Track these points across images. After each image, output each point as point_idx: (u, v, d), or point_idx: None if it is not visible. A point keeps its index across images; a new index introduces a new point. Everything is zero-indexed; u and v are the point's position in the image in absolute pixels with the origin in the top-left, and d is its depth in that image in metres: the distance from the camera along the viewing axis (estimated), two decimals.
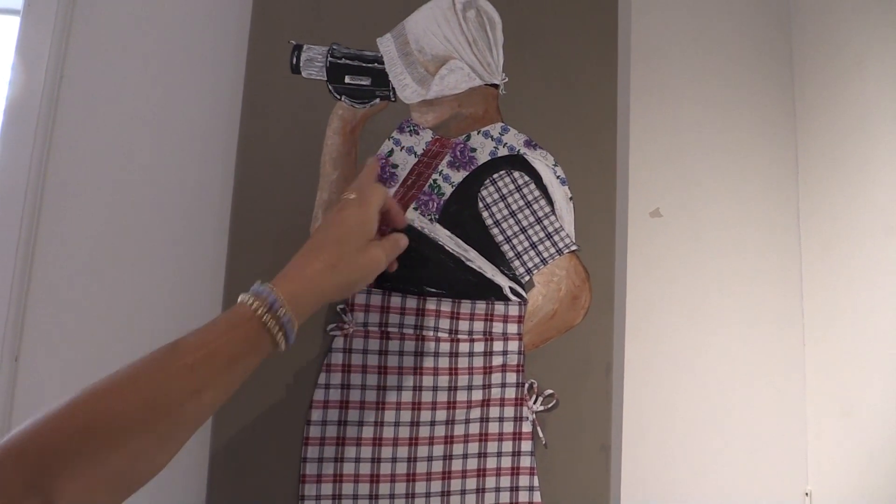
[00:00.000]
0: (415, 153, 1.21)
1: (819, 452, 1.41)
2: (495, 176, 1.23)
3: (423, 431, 1.15)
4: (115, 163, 1.23)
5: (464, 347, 1.19)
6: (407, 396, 1.15)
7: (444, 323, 1.18)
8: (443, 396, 1.17)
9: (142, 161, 1.24)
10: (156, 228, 1.22)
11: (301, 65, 1.19)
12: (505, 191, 1.23)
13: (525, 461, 1.19)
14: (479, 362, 1.19)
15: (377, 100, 1.21)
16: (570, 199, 1.26)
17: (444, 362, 1.17)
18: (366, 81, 1.21)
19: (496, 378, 1.19)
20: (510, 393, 1.20)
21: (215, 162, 1.24)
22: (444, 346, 1.18)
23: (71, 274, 1.20)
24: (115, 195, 1.22)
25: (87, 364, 1.18)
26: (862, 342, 1.36)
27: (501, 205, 1.23)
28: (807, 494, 1.41)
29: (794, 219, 1.49)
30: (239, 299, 0.83)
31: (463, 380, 1.18)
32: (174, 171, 1.24)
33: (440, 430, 1.16)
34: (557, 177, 1.26)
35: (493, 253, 1.22)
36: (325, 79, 1.19)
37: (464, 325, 1.19)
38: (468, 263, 1.20)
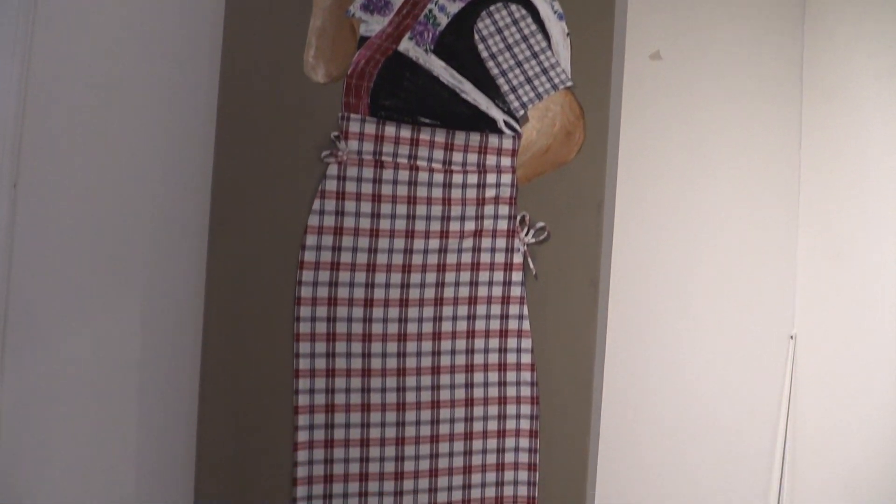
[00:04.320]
0: None
1: (807, 296, 1.44)
2: (492, 8, 1.21)
3: (417, 259, 1.18)
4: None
5: (457, 178, 1.20)
6: (400, 224, 1.17)
7: (438, 154, 1.19)
8: (436, 226, 1.18)
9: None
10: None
11: None
12: (501, 24, 1.21)
13: (515, 290, 1.22)
14: (472, 193, 1.20)
15: None
16: (568, 35, 1.24)
17: (437, 192, 1.18)
18: None
19: (489, 209, 1.21)
20: (502, 224, 1.22)
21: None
22: (438, 177, 1.19)
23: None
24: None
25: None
26: (858, 186, 1.36)
27: (498, 38, 1.21)
28: (791, 337, 1.45)
29: (797, 67, 1.47)
30: None
31: (456, 210, 1.19)
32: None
33: (433, 259, 1.19)
34: (555, 12, 1.24)
35: (487, 86, 1.21)
36: None
37: (458, 157, 1.20)
38: (463, 96, 1.20)
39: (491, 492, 1.22)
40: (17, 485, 1.18)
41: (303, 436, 1.14)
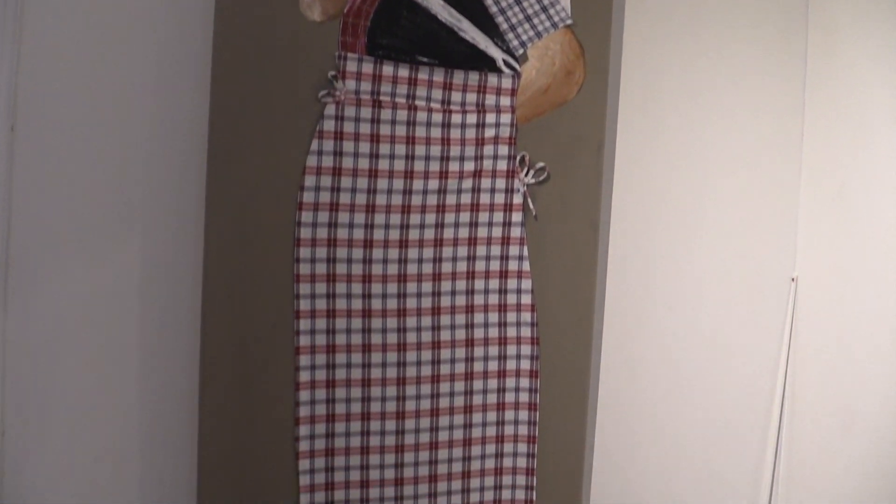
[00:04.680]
0: None
1: (809, 238, 1.43)
2: None
3: (416, 200, 1.17)
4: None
5: (456, 118, 1.19)
6: (399, 165, 1.16)
7: (437, 93, 1.17)
8: (435, 166, 1.18)
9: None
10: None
11: None
12: None
13: (515, 231, 1.22)
14: (471, 133, 1.19)
15: None
16: None
17: (436, 132, 1.17)
18: None
19: (488, 150, 1.20)
20: (502, 165, 1.21)
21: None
22: (437, 117, 1.18)
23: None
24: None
25: None
26: (861, 127, 1.35)
27: None
28: (793, 280, 1.44)
29: (802, 6, 1.44)
30: None
31: (455, 150, 1.18)
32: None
33: (432, 199, 1.18)
34: None
35: (486, 25, 1.19)
36: None
37: (456, 97, 1.18)
38: (461, 34, 1.18)
39: (492, 430, 1.23)
40: (24, 435, 1.20)
41: (305, 376, 1.15)
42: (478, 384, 1.22)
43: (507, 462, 1.25)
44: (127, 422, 1.24)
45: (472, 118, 1.19)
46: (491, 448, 1.24)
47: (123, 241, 1.22)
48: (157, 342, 1.24)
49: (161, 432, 1.25)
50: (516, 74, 1.20)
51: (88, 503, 1.22)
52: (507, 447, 1.25)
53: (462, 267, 1.21)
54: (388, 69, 1.15)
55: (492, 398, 1.23)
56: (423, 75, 1.16)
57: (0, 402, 1.20)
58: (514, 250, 1.22)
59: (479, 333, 1.22)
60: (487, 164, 1.20)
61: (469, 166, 1.19)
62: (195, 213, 1.19)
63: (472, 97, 1.19)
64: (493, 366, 1.23)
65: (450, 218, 1.19)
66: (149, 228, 1.23)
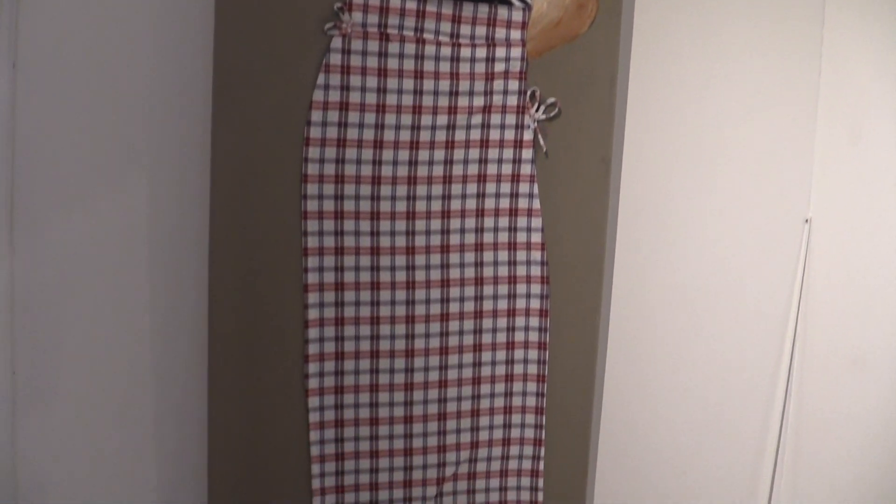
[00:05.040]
0: None
1: (823, 179, 1.41)
2: None
3: (424, 136, 1.15)
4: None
5: (465, 52, 1.16)
6: (407, 100, 1.14)
7: (446, 26, 1.15)
8: (444, 101, 1.16)
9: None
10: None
11: None
12: None
13: (525, 168, 1.20)
14: (481, 68, 1.17)
15: None
16: None
17: (445, 66, 1.15)
18: None
19: (498, 85, 1.18)
20: (512, 100, 1.19)
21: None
22: (446, 51, 1.15)
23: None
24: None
25: None
26: (879, 62, 1.32)
27: None
28: (806, 221, 1.43)
29: None
30: None
31: (465, 85, 1.16)
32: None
33: (441, 136, 1.16)
34: None
35: None
36: None
37: (466, 30, 1.16)
38: None
39: (501, 369, 1.23)
40: (34, 375, 1.20)
41: (314, 314, 1.14)
42: (487, 322, 1.22)
43: (517, 401, 1.25)
44: (137, 358, 1.24)
45: (481, 52, 1.17)
46: (500, 387, 1.24)
47: (129, 179, 1.21)
48: (165, 278, 1.24)
49: (172, 365, 1.25)
50: (527, 7, 1.17)
51: (101, 434, 1.23)
52: (517, 386, 1.25)
53: (471, 204, 1.19)
54: (395, 1, 1.13)
55: (501, 337, 1.23)
56: (431, 7, 1.13)
57: (10, 342, 1.20)
58: (524, 188, 1.21)
59: (488, 272, 1.21)
60: (497, 100, 1.18)
61: (479, 101, 1.17)
62: (201, 150, 1.17)
63: (481, 30, 1.16)
64: (502, 305, 1.22)
65: (459, 154, 1.18)
66: (155, 166, 1.21)
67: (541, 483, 1.26)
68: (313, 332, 1.15)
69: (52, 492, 1.23)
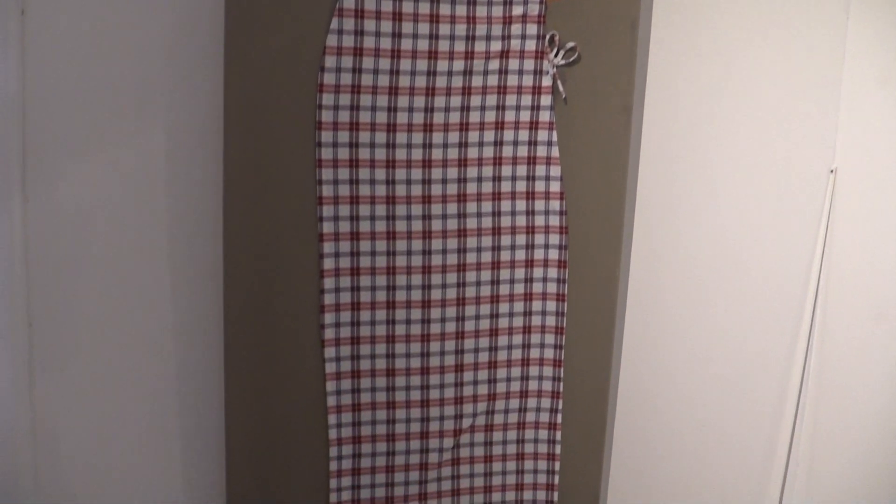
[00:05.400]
0: None
1: (849, 128, 1.37)
2: None
3: (440, 82, 1.13)
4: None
5: None
6: (423, 45, 1.11)
7: None
8: (460, 46, 1.13)
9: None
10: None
11: None
12: None
13: (544, 115, 1.17)
14: (498, 11, 1.13)
15: None
16: None
17: (461, 10, 1.12)
18: None
19: (516, 28, 1.15)
20: (530, 45, 1.15)
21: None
22: None
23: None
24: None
25: None
26: None
27: None
28: (832, 171, 1.39)
29: None
30: None
31: (481, 29, 1.13)
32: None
33: (457, 81, 1.14)
34: None
35: None
36: None
37: None
38: None
39: (519, 321, 1.22)
40: (50, 326, 1.20)
41: (329, 263, 1.13)
42: (505, 273, 1.20)
43: (534, 353, 1.24)
44: (155, 308, 1.23)
45: None
46: (518, 339, 1.23)
47: (144, 126, 1.19)
48: (182, 227, 1.22)
49: (190, 315, 1.25)
50: None
51: (118, 388, 1.23)
52: (535, 338, 1.23)
53: (489, 153, 1.17)
54: None
55: (519, 288, 1.21)
56: None
57: (26, 295, 1.20)
58: (542, 135, 1.18)
59: (506, 222, 1.19)
60: (515, 44, 1.15)
61: (496, 46, 1.14)
62: (214, 92, 1.15)
63: None
64: (520, 255, 1.20)
65: (475, 101, 1.15)
66: (169, 111, 1.19)
67: (558, 436, 1.26)
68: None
69: (67, 444, 1.23)
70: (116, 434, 1.25)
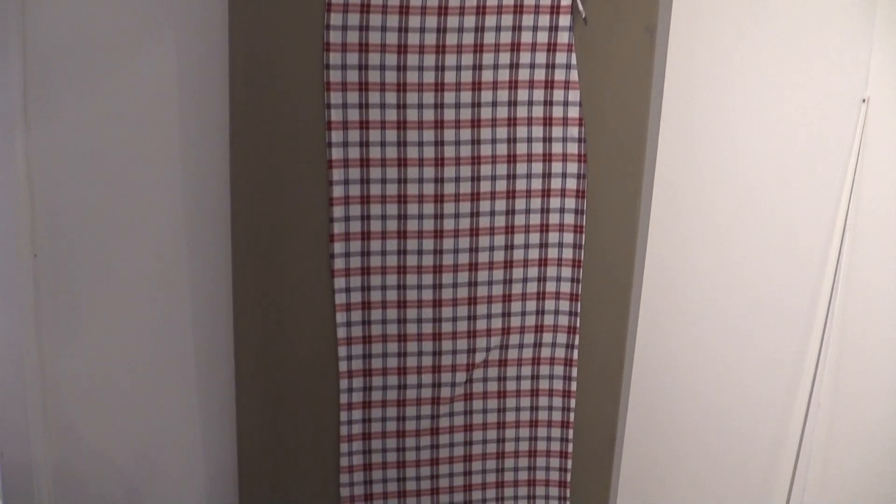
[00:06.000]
0: None
1: (883, 56, 1.31)
2: None
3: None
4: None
5: None
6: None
7: None
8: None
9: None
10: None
11: None
12: None
13: (563, 37, 1.12)
14: None
15: None
16: None
17: None
18: None
19: None
20: None
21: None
22: None
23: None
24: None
25: None
26: None
27: None
28: (864, 101, 1.33)
29: None
30: None
31: None
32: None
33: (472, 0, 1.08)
34: None
35: None
36: None
37: None
38: None
39: (534, 254, 1.18)
40: (56, 256, 1.17)
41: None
42: (520, 203, 1.16)
43: (551, 286, 1.20)
44: (164, 237, 1.21)
45: None
46: (534, 272, 1.19)
47: (148, 50, 1.14)
48: (190, 152, 1.20)
49: (199, 248, 1.22)
50: None
51: (125, 323, 1.22)
52: (551, 271, 1.20)
53: (504, 76, 1.11)
54: None
55: (535, 219, 1.17)
56: None
57: (31, 226, 1.17)
58: (561, 58, 1.12)
59: (521, 149, 1.14)
60: None
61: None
62: (222, 21, 1.10)
63: None
64: (536, 185, 1.16)
65: (490, 21, 1.10)
66: (174, 35, 1.15)
67: (574, 373, 1.23)
68: (338, 211, 1.10)
69: (74, 383, 1.22)
70: (123, 374, 1.24)
